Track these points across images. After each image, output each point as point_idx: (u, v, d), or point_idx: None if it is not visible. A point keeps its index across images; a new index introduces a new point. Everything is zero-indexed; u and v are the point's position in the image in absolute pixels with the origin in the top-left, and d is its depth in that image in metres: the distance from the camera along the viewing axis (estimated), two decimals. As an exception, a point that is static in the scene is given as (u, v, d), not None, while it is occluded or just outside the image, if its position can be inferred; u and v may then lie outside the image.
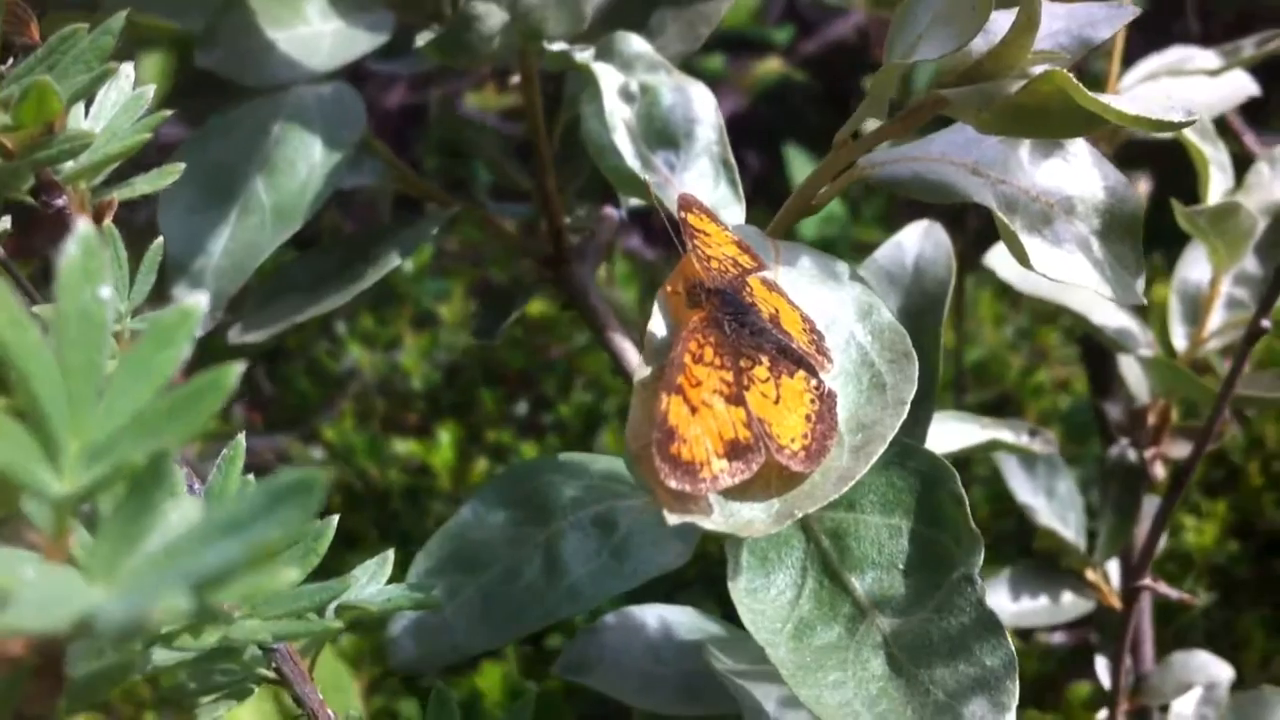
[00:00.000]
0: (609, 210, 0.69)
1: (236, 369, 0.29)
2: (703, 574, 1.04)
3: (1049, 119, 0.45)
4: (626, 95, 0.56)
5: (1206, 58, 0.75)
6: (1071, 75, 0.43)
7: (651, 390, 0.43)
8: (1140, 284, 0.51)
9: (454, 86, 1.42)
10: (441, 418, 1.36)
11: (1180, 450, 0.77)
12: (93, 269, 0.29)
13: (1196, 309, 0.75)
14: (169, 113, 0.42)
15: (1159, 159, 0.95)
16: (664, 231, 0.48)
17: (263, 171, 0.61)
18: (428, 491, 1.27)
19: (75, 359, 0.29)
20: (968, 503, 0.50)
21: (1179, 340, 0.75)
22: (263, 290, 0.61)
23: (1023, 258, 0.49)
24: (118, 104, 0.44)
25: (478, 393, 1.37)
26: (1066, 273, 0.49)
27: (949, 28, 0.45)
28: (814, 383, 0.44)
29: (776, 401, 0.43)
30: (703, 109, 0.56)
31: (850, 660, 0.47)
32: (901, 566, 0.50)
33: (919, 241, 0.61)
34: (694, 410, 0.42)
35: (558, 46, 0.58)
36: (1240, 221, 0.68)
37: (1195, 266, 0.76)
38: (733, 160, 0.55)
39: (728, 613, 0.85)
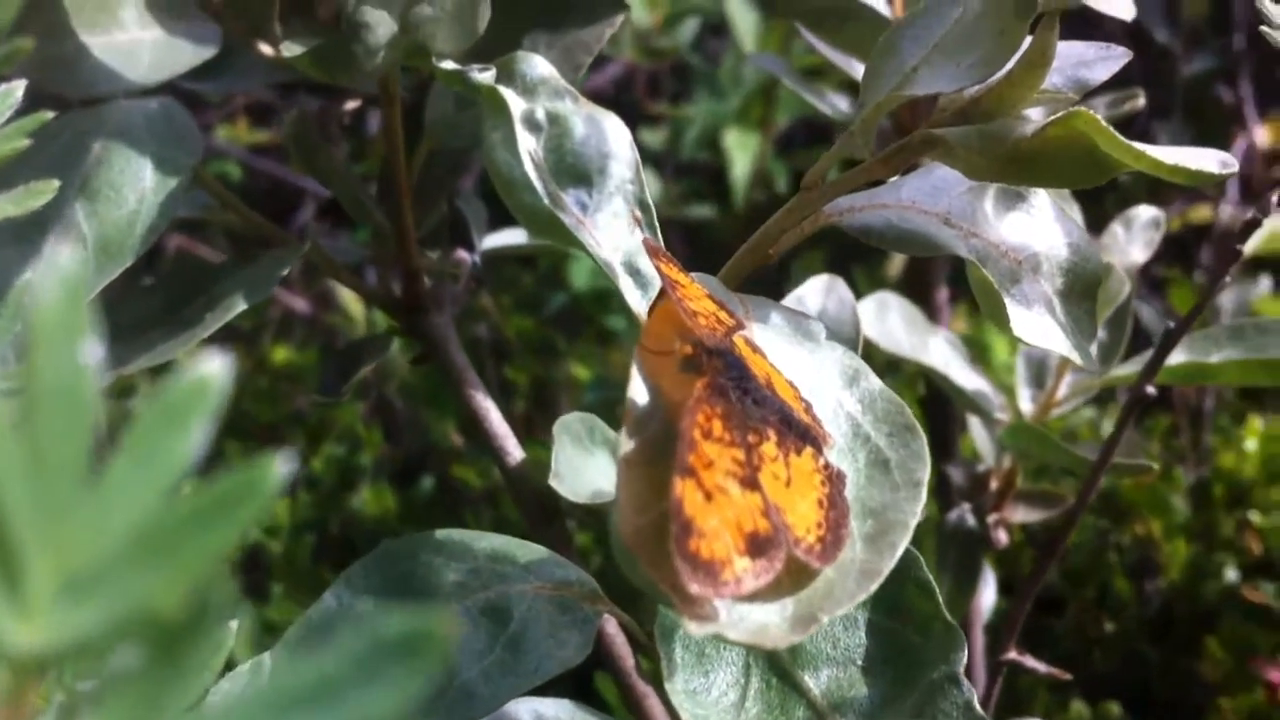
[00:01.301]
0: (462, 254, 0.60)
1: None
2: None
3: (1060, 166, 0.39)
4: (531, 124, 0.48)
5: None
6: (1099, 118, 0.37)
7: (641, 470, 0.35)
8: (1094, 349, 0.46)
9: (204, 118, 1.29)
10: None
11: (1024, 515, 0.73)
12: (74, 320, 0.20)
13: (1042, 373, 0.72)
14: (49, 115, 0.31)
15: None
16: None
17: (82, 197, 0.50)
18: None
19: (53, 448, 0.19)
20: (938, 593, 0.43)
21: (1025, 404, 0.71)
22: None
23: (1002, 320, 0.43)
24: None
25: (222, 447, 1.24)
26: (1042, 337, 0.44)
27: (960, 58, 0.38)
28: (822, 461, 0.37)
29: (788, 484, 0.36)
30: (617, 143, 0.48)
31: (812, 774, 0.40)
32: (861, 663, 0.43)
33: (821, 298, 0.54)
34: (709, 497, 0.34)
35: (448, 65, 0.49)
36: (1110, 286, 0.64)
37: (1040, 329, 0.72)
38: (650, 201, 0.48)
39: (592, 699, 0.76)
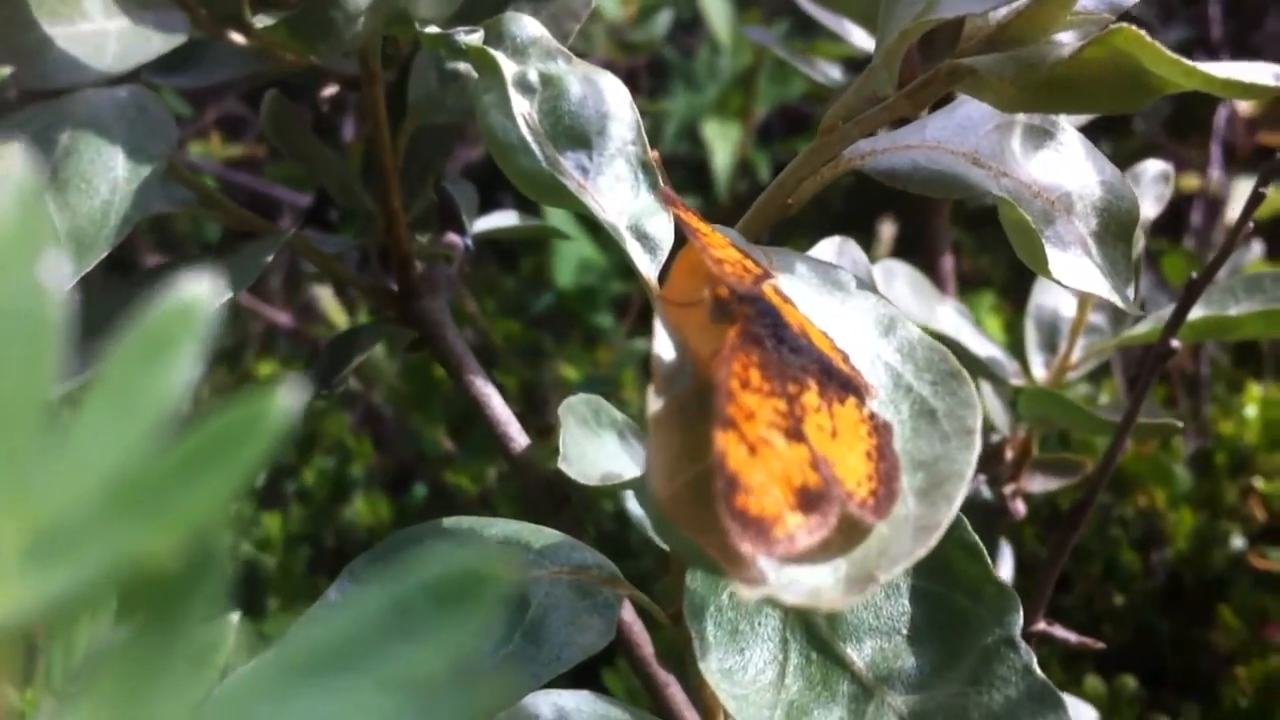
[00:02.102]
0: (454, 238, 0.57)
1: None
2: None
3: (1100, 90, 0.36)
4: (524, 87, 0.44)
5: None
6: (1143, 33, 0.34)
7: (673, 430, 0.32)
8: (1132, 292, 0.43)
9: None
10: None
11: (1041, 485, 0.70)
12: (33, 235, 0.16)
13: (1054, 336, 0.69)
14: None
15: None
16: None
17: (52, 188, 0.46)
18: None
19: (11, 385, 0.15)
20: (985, 553, 0.40)
21: (1038, 369, 0.68)
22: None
23: (1039, 262, 0.40)
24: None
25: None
26: (1081, 279, 0.40)
27: (991, -23, 0.35)
28: (867, 412, 0.34)
29: (834, 436, 0.32)
30: (616, 103, 0.45)
31: (865, 751, 0.37)
32: (907, 631, 0.40)
33: (834, 260, 0.51)
34: (753, 450, 0.30)
35: (432, 30, 0.45)
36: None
37: (1049, 292, 0.69)
38: (654, 163, 0.44)
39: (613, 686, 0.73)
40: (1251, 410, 1.09)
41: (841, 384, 0.33)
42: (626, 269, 1.28)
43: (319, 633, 0.15)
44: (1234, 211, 1.11)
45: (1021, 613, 0.38)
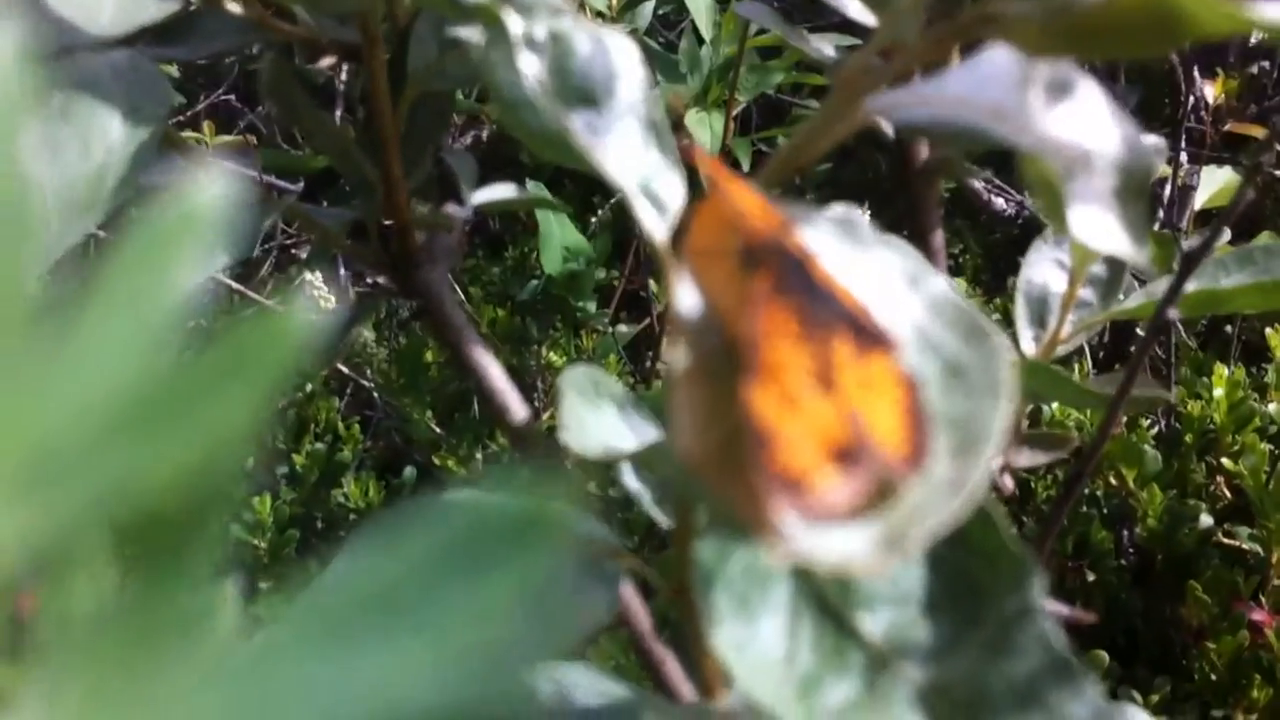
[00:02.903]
0: (453, 208, 0.54)
1: (302, 312, 0.13)
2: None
3: (1134, 31, 0.33)
4: (532, 44, 0.41)
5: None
6: (1180, -26, 0.31)
7: (700, 386, 0.29)
8: (1147, 253, 0.40)
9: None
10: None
11: (1029, 460, 0.67)
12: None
13: (1044, 311, 0.66)
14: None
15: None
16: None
17: (45, 152, 0.43)
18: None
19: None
20: (1004, 519, 0.37)
21: (1028, 344, 0.66)
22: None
23: (1059, 219, 0.37)
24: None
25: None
26: (1104, 236, 0.37)
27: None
28: (897, 366, 0.31)
29: (866, 390, 0.29)
30: (625, 62, 0.42)
31: (877, 723, 0.34)
32: (923, 600, 0.37)
33: (838, 228, 0.48)
34: (784, 404, 0.27)
35: (436, -13, 0.42)
36: (1116, 214, 0.58)
37: (1039, 267, 0.66)
38: (665, 123, 0.41)
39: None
40: (1219, 391, 1.07)
41: (870, 337, 0.30)
42: (611, 256, 1.25)
43: (358, 579, 0.12)
44: (1202, 198, 1.09)
45: (1038, 582, 0.35)
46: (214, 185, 0.14)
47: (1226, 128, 1.11)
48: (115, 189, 0.43)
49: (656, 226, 0.40)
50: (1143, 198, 0.39)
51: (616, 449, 0.51)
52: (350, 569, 0.12)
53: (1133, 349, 1.07)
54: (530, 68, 0.40)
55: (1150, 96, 1.19)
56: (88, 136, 0.44)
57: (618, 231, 1.25)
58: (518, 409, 0.51)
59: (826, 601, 0.37)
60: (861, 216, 0.46)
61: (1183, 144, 1.12)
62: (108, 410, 0.12)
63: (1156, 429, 1.09)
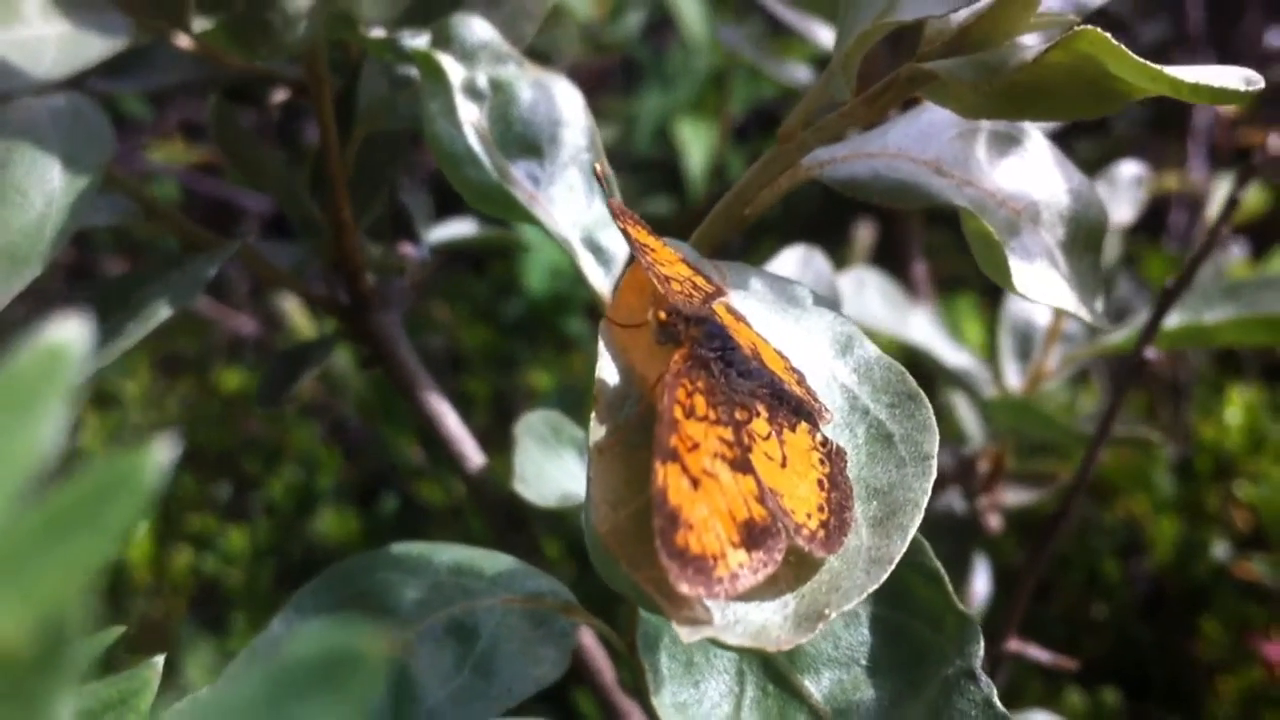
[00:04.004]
0: (408, 248, 0.55)
1: (158, 453, 0.15)
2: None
3: (1065, 95, 0.35)
4: (473, 93, 0.43)
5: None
6: (1108, 36, 0.33)
7: (615, 459, 0.30)
8: (1100, 305, 0.42)
9: (133, 140, 1.23)
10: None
11: (1015, 498, 0.69)
12: None
13: (1029, 345, 0.68)
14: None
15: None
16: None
17: (-17, 202, 0.45)
18: (126, 589, 1.08)
19: None
20: (946, 580, 0.39)
21: (1012, 378, 0.67)
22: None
23: (1002, 275, 0.38)
24: None
25: (174, 475, 1.18)
26: (1046, 292, 0.39)
27: (949, -21, 0.34)
28: (819, 438, 0.32)
29: (783, 465, 0.31)
30: (569, 109, 0.43)
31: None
32: (866, 662, 0.39)
33: (797, 271, 0.50)
34: (695, 483, 0.29)
35: (377, 33, 0.44)
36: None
37: (1022, 300, 0.68)
38: (610, 172, 0.43)
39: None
40: (1233, 414, 1.08)
41: (794, 408, 0.32)
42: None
43: (198, 713, 0.14)
44: (1214, 211, 1.10)
45: (982, 643, 0.37)
46: (70, 331, 0.16)
47: (1238, 138, 1.12)
48: (54, 240, 0.44)
49: (600, 280, 0.42)
50: (1094, 249, 0.41)
51: (574, 496, 0.52)
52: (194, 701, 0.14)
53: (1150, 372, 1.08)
54: (470, 116, 0.42)
55: (1165, 101, 1.20)
56: (27, 187, 0.45)
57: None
58: (473, 456, 0.52)
59: (772, 663, 0.39)
60: (819, 262, 0.48)
61: (1198, 154, 1.13)
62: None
63: (1170, 454, 1.10)
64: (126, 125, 1.25)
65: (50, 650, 0.14)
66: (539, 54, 0.56)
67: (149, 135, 1.23)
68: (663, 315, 0.31)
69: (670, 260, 0.34)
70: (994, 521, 0.68)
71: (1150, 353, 0.54)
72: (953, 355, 0.65)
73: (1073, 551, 1.07)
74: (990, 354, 0.70)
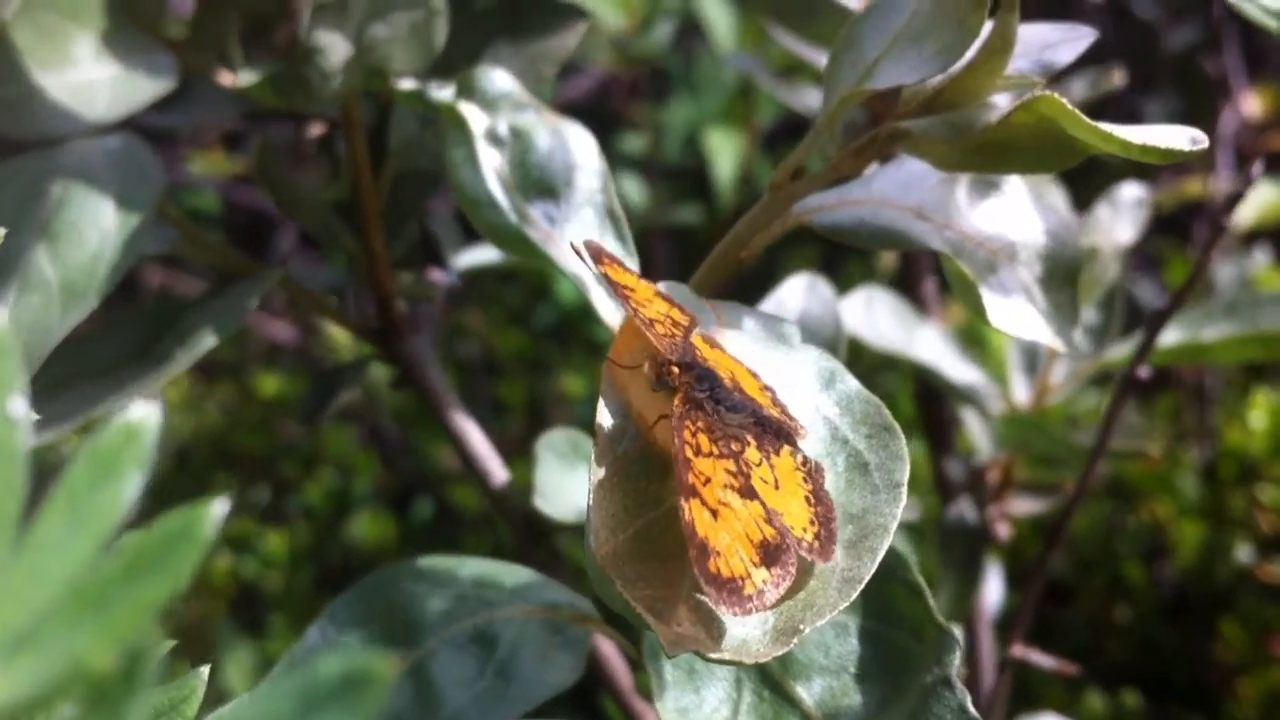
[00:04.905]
0: (437, 274, 0.60)
1: (215, 508, 0.20)
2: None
3: (1029, 152, 0.39)
4: (494, 139, 0.47)
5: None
6: (1063, 100, 0.37)
7: (613, 489, 0.35)
8: (1078, 336, 0.46)
9: (177, 149, 1.29)
10: (173, 508, 1.21)
11: (1024, 507, 0.73)
12: (5, 375, 0.19)
13: (1035, 360, 0.71)
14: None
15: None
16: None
17: (44, 240, 0.50)
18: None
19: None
20: (928, 594, 0.43)
21: (1020, 393, 0.71)
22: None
23: (979, 311, 0.43)
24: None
25: (212, 479, 1.23)
26: (1021, 325, 0.43)
27: (922, 47, 0.38)
28: (800, 458, 0.37)
29: (776, 487, 0.35)
30: (583, 154, 0.48)
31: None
32: (854, 670, 0.43)
33: (803, 298, 0.54)
34: (715, 514, 0.33)
35: (407, 84, 0.49)
36: (1096, 268, 0.64)
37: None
38: (620, 211, 0.47)
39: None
40: (1258, 418, 1.11)
41: (774, 432, 0.36)
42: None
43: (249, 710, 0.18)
44: (1238, 218, 1.13)
45: (959, 653, 0.41)
46: (145, 411, 0.20)
47: (1265, 143, 1.14)
48: (108, 276, 0.49)
49: (611, 315, 0.46)
50: (1070, 283, 0.45)
51: (593, 510, 0.57)
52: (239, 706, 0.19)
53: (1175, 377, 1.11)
54: (492, 162, 0.47)
55: (1190, 107, 1.23)
56: (83, 226, 0.50)
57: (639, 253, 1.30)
58: (497, 472, 0.57)
59: (767, 671, 0.43)
60: (823, 289, 0.52)
61: (1224, 160, 1.15)
62: (64, 601, 0.19)
63: (1195, 457, 1.13)
64: (167, 137, 1.30)
65: (130, 672, 0.19)
66: (568, 65, 0.60)
67: (189, 147, 1.28)
68: (657, 368, 0.35)
69: (649, 298, 0.38)
70: (1003, 530, 0.72)
71: (1144, 371, 0.58)
72: (960, 371, 0.69)
73: (1097, 556, 1.10)
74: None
